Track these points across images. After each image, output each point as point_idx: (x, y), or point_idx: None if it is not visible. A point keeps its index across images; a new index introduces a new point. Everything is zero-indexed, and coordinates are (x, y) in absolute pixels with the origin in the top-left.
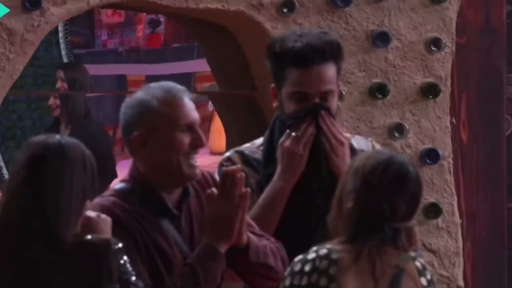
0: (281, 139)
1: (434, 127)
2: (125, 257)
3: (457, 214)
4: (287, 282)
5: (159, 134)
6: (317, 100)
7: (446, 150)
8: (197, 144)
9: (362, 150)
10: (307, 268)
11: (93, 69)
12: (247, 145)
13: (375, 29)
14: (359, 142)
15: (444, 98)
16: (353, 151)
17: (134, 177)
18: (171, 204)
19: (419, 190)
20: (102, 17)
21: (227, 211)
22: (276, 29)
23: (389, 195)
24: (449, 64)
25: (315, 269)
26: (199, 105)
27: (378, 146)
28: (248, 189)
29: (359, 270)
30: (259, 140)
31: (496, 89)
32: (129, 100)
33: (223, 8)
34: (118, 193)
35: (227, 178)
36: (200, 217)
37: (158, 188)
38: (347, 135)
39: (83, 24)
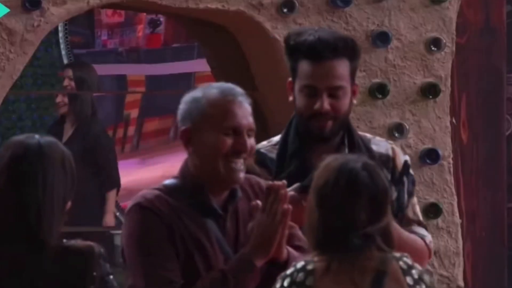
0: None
1: (434, 127)
2: (108, 266)
3: (457, 214)
4: None
5: (202, 133)
6: (325, 95)
7: (446, 150)
8: (239, 149)
9: (381, 153)
10: (286, 283)
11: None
12: (264, 143)
13: (375, 29)
14: (379, 144)
15: (444, 98)
16: (371, 153)
17: (183, 174)
18: (217, 204)
19: (377, 191)
20: (102, 17)
21: (268, 226)
22: (276, 29)
23: (344, 205)
24: (449, 64)
25: (293, 282)
26: None
27: (398, 150)
28: (290, 207)
29: (337, 278)
30: (277, 138)
31: (496, 89)
32: (187, 94)
33: (223, 8)
34: (166, 188)
35: (271, 193)
36: (248, 220)
37: (205, 187)
38: (368, 135)
39: (83, 24)
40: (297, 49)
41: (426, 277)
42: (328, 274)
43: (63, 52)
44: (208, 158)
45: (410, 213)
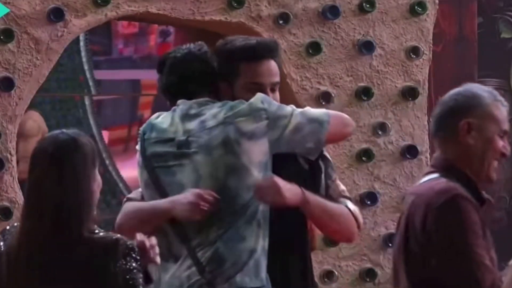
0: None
1: (413, 126)
2: (134, 263)
3: None
4: None
5: (483, 130)
6: (269, 90)
7: (424, 146)
8: (504, 153)
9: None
10: None
11: (111, 74)
12: None
13: (361, 39)
14: None
15: (422, 100)
16: None
17: (447, 168)
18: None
19: None
20: (118, 28)
21: None
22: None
23: None
24: (427, 69)
25: None
26: None
27: None
28: None
29: None
30: None
31: None
32: (458, 90)
33: (226, 20)
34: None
35: None
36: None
37: (473, 180)
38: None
39: (101, 34)
40: (238, 52)
41: None
42: None
43: (84, 59)
44: (483, 155)
45: (333, 192)
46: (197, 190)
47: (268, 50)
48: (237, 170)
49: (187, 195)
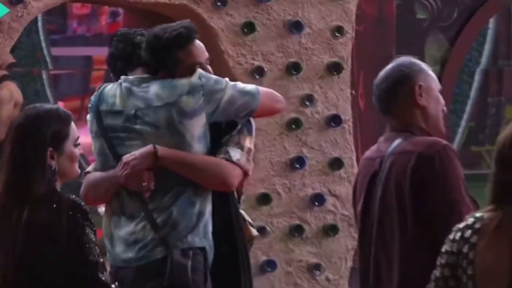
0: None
1: (337, 97)
2: (89, 230)
3: (356, 166)
4: (443, 248)
5: (431, 90)
6: (206, 66)
7: (346, 115)
8: (443, 108)
9: None
10: (457, 236)
11: (66, 51)
12: None
13: (291, 19)
14: None
15: (346, 74)
16: None
17: (410, 128)
18: None
19: None
20: (72, 9)
21: None
22: (212, 19)
23: None
24: (350, 47)
25: (462, 237)
26: None
27: None
28: None
29: (499, 241)
30: None
31: None
32: (397, 63)
33: (170, 2)
34: None
35: None
36: None
37: None
38: None
39: (57, 15)
40: (172, 43)
41: None
42: (491, 236)
43: (41, 38)
44: (438, 111)
45: (229, 140)
46: (146, 186)
47: (194, 32)
48: (181, 147)
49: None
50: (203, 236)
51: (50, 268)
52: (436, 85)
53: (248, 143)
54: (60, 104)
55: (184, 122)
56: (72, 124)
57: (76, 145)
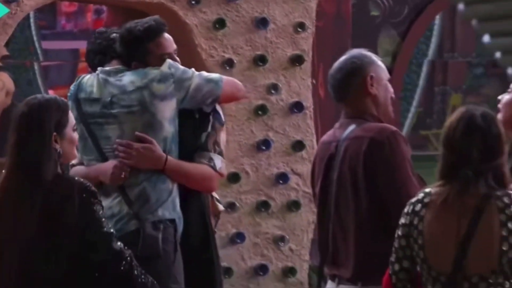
0: None
1: (300, 86)
2: (98, 207)
3: (316, 148)
4: (400, 221)
5: (380, 80)
6: (175, 56)
7: (308, 102)
8: (392, 96)
9: None
10: (409, 209)
11: (55, 45)
12: None
13: (258, 16)
14: None
15: (307, 65)
16: None
17: (363, 115)
18: None
19: (490, 134)
20: (61, 7)
21: None
22: (187, 16)
23: (460, 144)
24: (311, 41)
25: (413, 210)
26: None
27: None
28: None
29: (445, 213)
30: None
31: None
32: (350, 55)
33: (149, 1)
34: None
35: None
36: None
37: None
38: None
39: (48, 12)
40: (146, 34)
41: None
42: (438, 208)
43: (33, 33)
44: (386, 100)
45: (209, 142)
46: (115, 162)
47: (162, 25)
48: (153, 126)
49: (108, 166)
50: (172, 209)
51: (66, 246)
52: (385, 74)
53: (223, 139)
54: (51, 92)
55: (155, 103)
56: (69, 111)
57: (74, 130)
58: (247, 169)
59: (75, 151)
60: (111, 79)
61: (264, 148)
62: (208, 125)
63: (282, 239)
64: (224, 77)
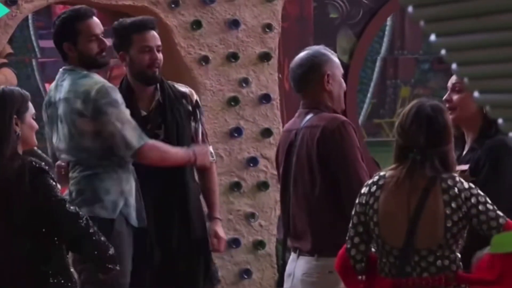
0: None
1: (268, 80)
2: (49, 178)
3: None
4: (357, 201)
5: (336, 76)
6: (155, 51)
7: (275, 94)
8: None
9: (182, 91)
10: (366, 190)
11: (51, 43)
12: None
13: (230, 18)
14: (182, 87)
15: (274, 62)
16: (173, 90)
17: (319, 107)
18: None
19: (437, 123)
20: (56, 10)
21: None
22: (167, 17)
23: (409, 130)
24: (277, 40)
25: (369, 191)
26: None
27: (193, 92)
28: None
29: (398, 192)
30: None
31: None
32: (309, 53)
33: (134, 4)
34: None
35: None
36: None
37: None
38: (175, 83)
39: (44, 14)
40: (130, 27)
41: (464, 194)
42: (391, 189)
43: (31, 32)
44: (340, 94)
45: (199, 134)
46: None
47: (150, 23)
48: (71, 138)
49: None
50: (112, 210)
51: (22, 219)
52: (339, 70)
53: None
54: (47, 86)
55: (74, 118)
56: (29, 102)
57: (33, 118)
58: (221, 154)
59: (34, 138)
60: (59, 82)
61: (236, 135)
62: (198, 122)
63: (252, 215)
64: (150, 142)
